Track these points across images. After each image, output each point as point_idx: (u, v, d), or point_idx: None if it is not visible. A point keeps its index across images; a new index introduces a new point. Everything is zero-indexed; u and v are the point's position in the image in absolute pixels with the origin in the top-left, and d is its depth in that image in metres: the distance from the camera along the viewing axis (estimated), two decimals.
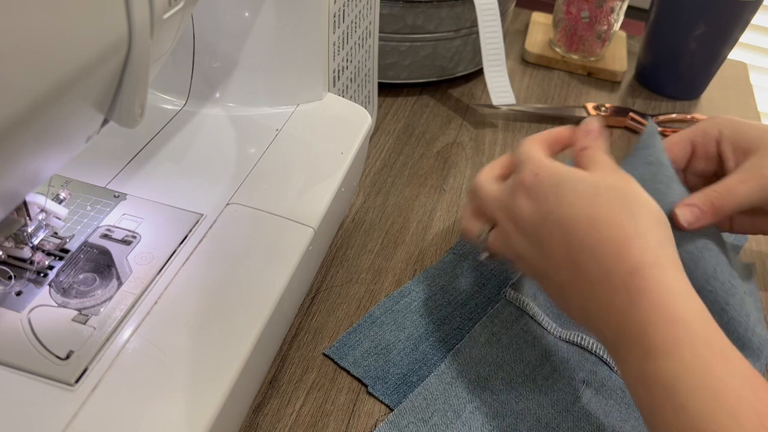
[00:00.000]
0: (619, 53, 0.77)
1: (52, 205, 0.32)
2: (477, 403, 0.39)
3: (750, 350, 0.40)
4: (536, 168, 0.37)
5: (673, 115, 0.68)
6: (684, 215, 0.41)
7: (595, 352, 0.42)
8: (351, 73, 0.49)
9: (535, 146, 0.39)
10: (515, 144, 0.61)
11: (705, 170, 0.46)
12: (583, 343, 0.43)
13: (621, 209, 0.33)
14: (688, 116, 0.69)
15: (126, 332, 0.30)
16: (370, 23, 0.51)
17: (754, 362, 0.40)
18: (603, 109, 0.67)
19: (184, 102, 0.44)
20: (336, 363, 0.40)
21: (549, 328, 0.43)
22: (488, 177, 0.40)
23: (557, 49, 0.76)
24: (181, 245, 0.35)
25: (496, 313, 0.44)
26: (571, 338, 0.43)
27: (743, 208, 0.43)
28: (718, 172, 0.45)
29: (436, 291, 0.45)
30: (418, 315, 0.43)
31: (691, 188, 0.43)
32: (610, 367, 0.42)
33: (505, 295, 0.45)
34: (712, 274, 0.40)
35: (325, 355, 0.40)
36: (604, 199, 0.34)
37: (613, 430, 0.38)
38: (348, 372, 0.39)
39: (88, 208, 0.36)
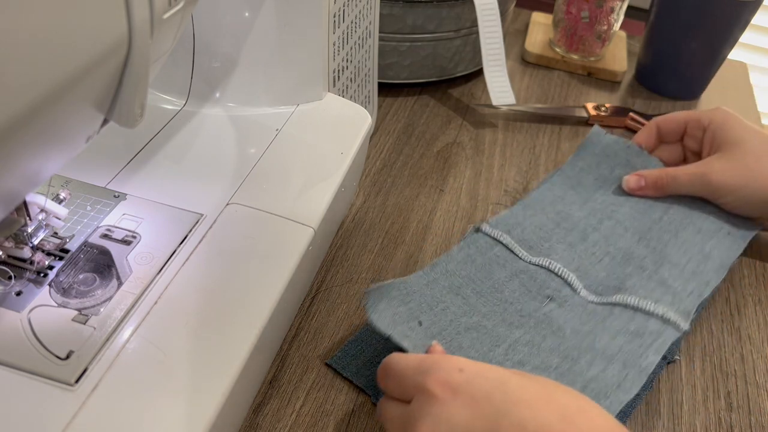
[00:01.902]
0: (619, 53, 0.77)
1: (52, 205, 0.32)
2: (447, 303, 0.42)
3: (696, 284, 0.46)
4: (458, 364, 0.30)
5: None
6: (628, 181, 0.52)
7: (561, 275, 0.46)
8: (351, 73, 0.49)
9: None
10: (515, 142, 0.61)
11: (693, 148, 0.54)
12: (550, 266, 0.46)
13: (578, 399, 0.30)
14: None
15: (126, 332, 0.30)
16: (370, 23, 0.51)
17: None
18: (603, 109, 0.67)
19: (184, 102, 0.44)
20: (339, 373, 0.39)
21: (520, 255, 0.47)
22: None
23: (557, 49, 0.76)
24: (181, 245, 0.35)
25: (473, 240, 0.48)
26: (540, 263, 0.46)
27: (684, 194, 0.51)
28: (702, 152, 0.53)
29: None
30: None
31: (685, 156, 0.55)
32: (573, 289, 0.45)
33: (481, 228, 0.49)
34: (657, 220, 0.51)
35: (327, 365, 0.40)
36: (560, 392, 0.30)
37: (573, 329, 0.42)
38: (350, 381, 0.39)
39: (88, 208, 0.36)
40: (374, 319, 0.38)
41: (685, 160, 0.56)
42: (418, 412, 0.29)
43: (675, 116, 0.55)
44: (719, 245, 0.48)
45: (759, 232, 0.52)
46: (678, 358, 0.43)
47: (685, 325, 0.42)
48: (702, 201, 0.52)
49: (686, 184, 0.51)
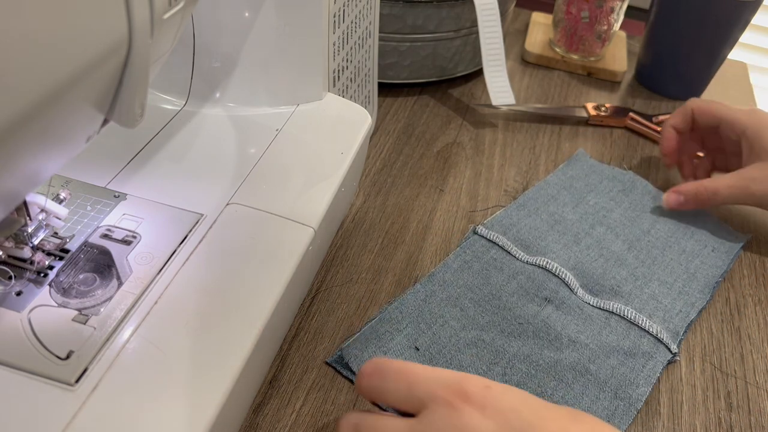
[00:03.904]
0: (619, 53, 0.77)
1: (52, 205, 0.32)
2: (446, 317, 0.42)
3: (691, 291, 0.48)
4: (483, 381, 0.29)
5: None
6: (667, 200, 0.53)
7: (558, 274, 0.46)
8: (351, 73, 0.49)
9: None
10: (513, 141, 0.61)
11: (725, 149, 0.55)
12: (547, 266, 0.46)
13: (601, 425, 0.29)
14: None
15: (126, 332, 0.30)
16: (370, 23, 0.51)
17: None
18: (603, 109, 0.67)
19: (184, 102, 0.44)
20: (339, 372, 0.40)
21: (517, 255, 0.48)
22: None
23: (557, 49, 0.76)
24: (181, 245, 0.35)
25: (468, 245, 0.48)
26: (537, 262, 0.47)
27: (724, 205, 0.53)
28: (735, 152, 0.54)
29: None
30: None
31: (720, 149, 0.56)
32: (570, 289, 0.45)
33: (477, 231, 0.49)
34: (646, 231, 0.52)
35: (327, 363, 0.40)
36: (582, 415, 0.29)
37: (569, 338, 0.42)
38: (351, 381, 0.39)
39: (88, 208, 0.36)
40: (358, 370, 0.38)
41: (714, 161, 0.57)
42: (438, 424, 0.28)
43: (711, 109, 0.54)
44: (703, 265, 0.50)
45: (746, 242, 0.53)
46: (678, 359, 0.43)
47: (674, 348, 0.43)
48: (688, 216, 0.54)
49: (727, 197, 0.51)
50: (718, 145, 0.56)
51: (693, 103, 0.56)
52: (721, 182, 0.51)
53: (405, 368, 0.30)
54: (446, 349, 0.40)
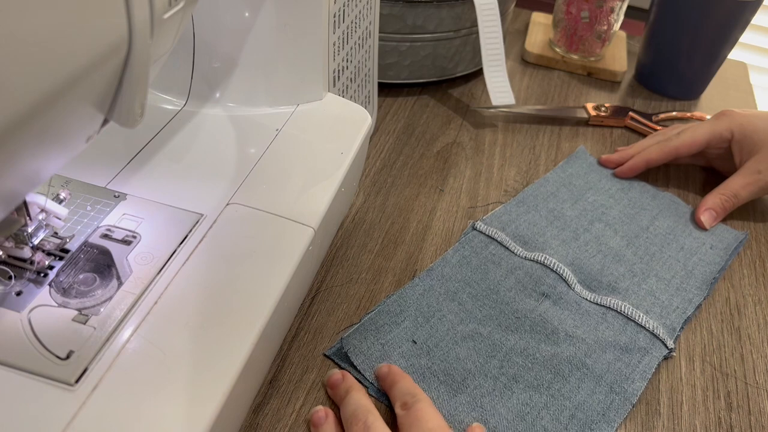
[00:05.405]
0: (619, 53, 0.77)
1: (52, 205, 0.32)
2: (444, 311, 0.43)
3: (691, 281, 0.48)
4: None
5: (673, 113, 0.68)
6: (707, 220, 0.53)
7: (556, 270, 0.46)
8: (351, 73, 0.49)
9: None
10: (515, 144, 0.61)
11: (720, 165, 0.58)
12: (545, 262, 0.47)
13: None
14: (688, 114, 0.69)
15: (126, 332, 0.30)
16: (370, 23, 0.51)
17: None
18: (603, 109, 0.67)
19: (184, 102, 0.44)
20: (337, 365, 0.40)
21: (515, 251, 0.48)
22: None
23: (557, 49, 0.76)
24: (181, 245, 0.35)
25: (467, 240, 0.49)
26: (535, 258, 0.47)
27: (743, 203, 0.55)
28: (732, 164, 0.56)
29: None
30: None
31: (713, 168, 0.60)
32: (568, 285, 0.46)
33: (476, 226, 0.50)
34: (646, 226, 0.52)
35: (326, 356, 0.40)
36: None
37: (566, 333, 0.42)
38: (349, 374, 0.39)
39: (88, 208, 0.36)
40: (356, 362, 0.39)
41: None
42: None
43: (696, 140, 0.56)
44: (701, 262, 0.50)
45: (745, 240, 0.53)
46: (674, 354, 0.43)
47: (670, 344, 0.43)
48: (686, 214, 0.54)
49: (747, 196, 0.54)
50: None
51: (674, 143, 0.56)
52: (735, 184, 0.54)
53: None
54: (443, 342, 0.41)
